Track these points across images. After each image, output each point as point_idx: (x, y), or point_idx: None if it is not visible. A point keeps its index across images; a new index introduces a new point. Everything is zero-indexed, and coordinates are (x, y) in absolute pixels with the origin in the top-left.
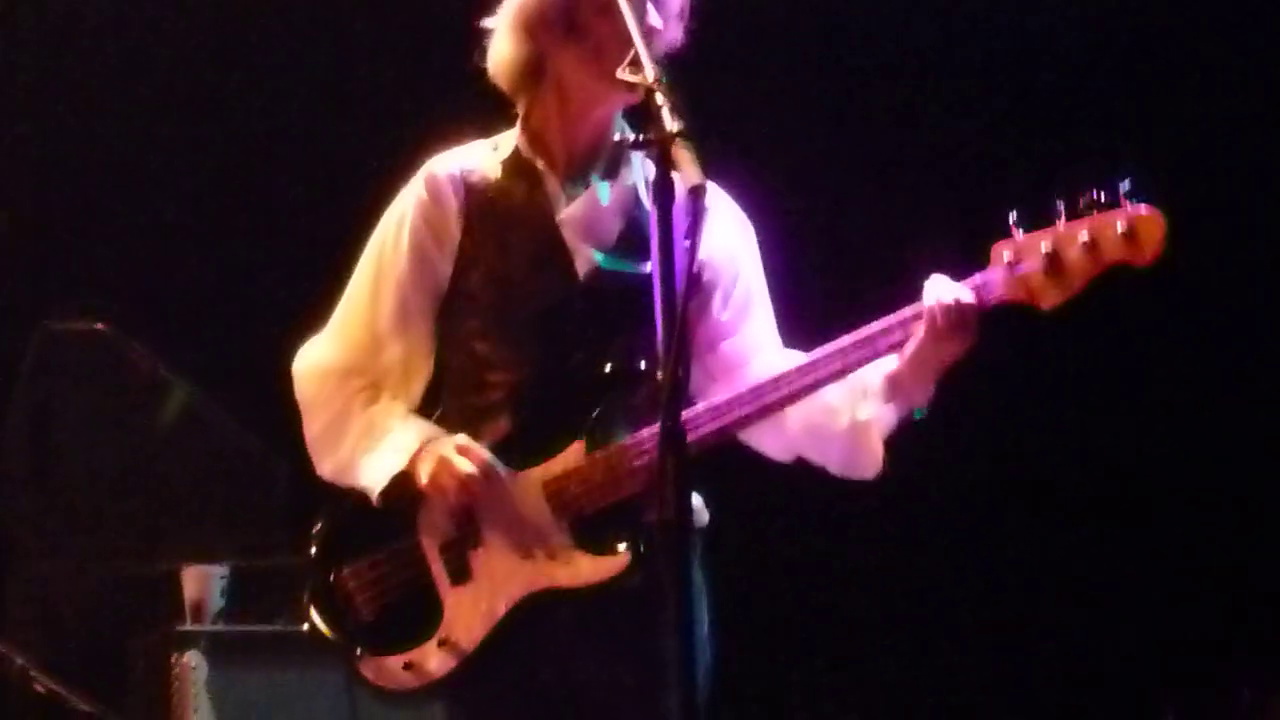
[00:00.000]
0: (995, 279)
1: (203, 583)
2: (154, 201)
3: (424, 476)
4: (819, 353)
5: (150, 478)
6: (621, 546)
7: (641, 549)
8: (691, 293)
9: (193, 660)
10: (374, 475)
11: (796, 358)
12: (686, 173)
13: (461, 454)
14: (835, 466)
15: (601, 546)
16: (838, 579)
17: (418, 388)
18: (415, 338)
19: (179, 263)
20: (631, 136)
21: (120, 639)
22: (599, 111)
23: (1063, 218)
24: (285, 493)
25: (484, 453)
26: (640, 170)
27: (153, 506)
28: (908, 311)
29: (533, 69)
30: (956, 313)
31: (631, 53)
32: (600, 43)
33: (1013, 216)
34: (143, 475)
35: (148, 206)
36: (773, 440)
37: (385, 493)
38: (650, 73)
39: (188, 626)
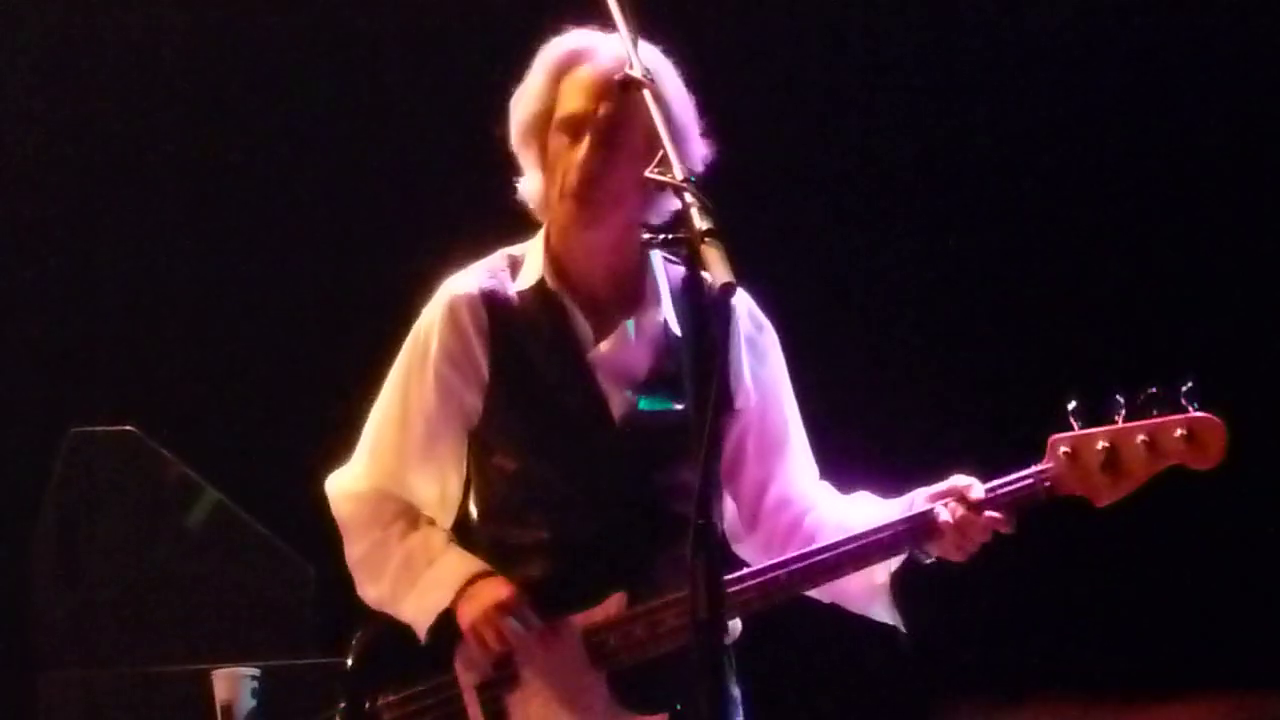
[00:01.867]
0: (1055, 474)
1: (233, 684)
2: (179, 309)
3: (465, 619)
4: (856, 535)
5: (180, 579)
6: (660, 704)
7: (679, 707)
8: (722, 399)
9: None
10: (417, 613)
11: (835, 515)
12: (716, 272)
13: (501, 609)
14: (858, 610)
15: (640, 702)
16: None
17: (451, 512)
18: (448, 466)
19: (199, 371)
20: (658, 236)
21: None
22: (589, 237)
23: (1122, 415)
24: (314, 596)
25: (525, 608)
26: (668, 302)
27: (182, 608)
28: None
29: (534, 190)
30: (985, 531)
31: (660, 152)
32: (553, 161)
33: (1071, 406)
34: (173, 577)
35: (172, 313)
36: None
37: (432, 629)
38: (679, 171)
39: None
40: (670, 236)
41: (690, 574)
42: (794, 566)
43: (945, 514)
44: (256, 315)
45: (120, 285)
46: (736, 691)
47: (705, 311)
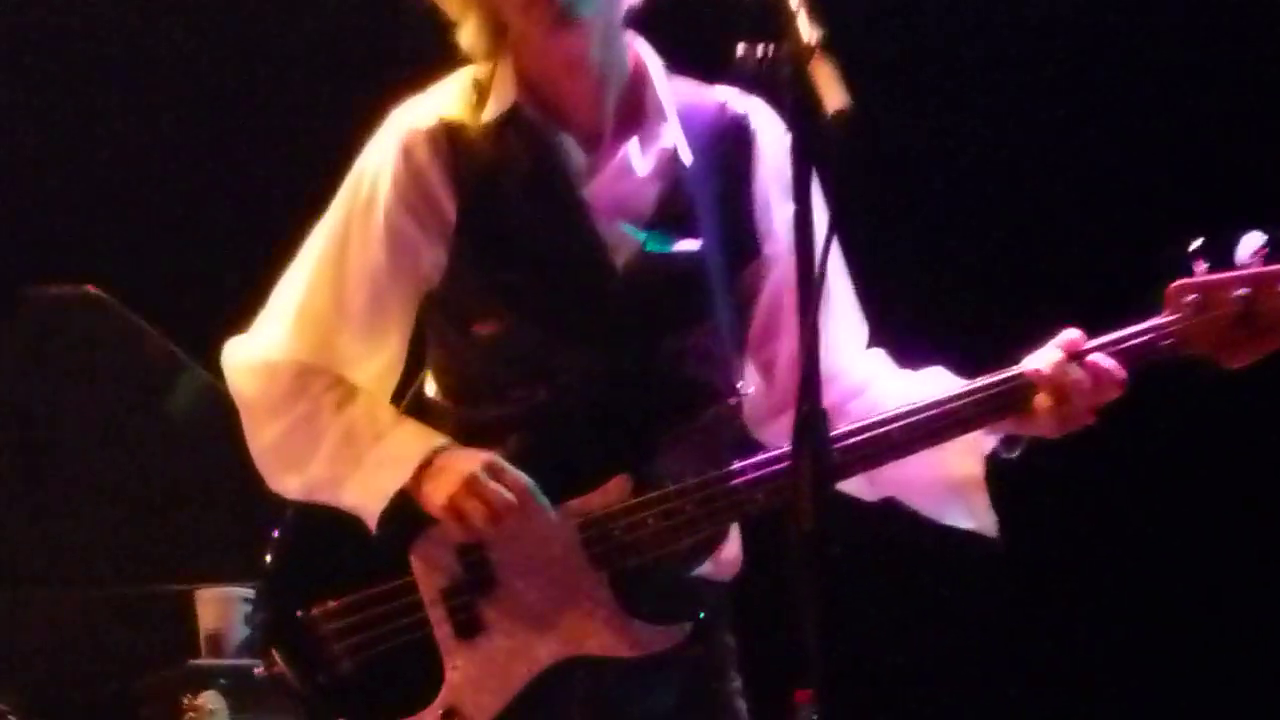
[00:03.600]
0: (1180, 328)
1: (223, 608)
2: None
3: (437, 497)
4: (941, 393)
5: (159, 480)
6: (678, 612)
7: (702, 615)
8: (744, 246)
9: (210, 702)
10: (364, 496)
11: (897, 393)
12: (829, 95)
13: (493, 473)
14: (926, 513)
15: (653, 609)
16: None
17: (388, 393)
18: (393, 337)
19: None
20: (754, 52)
21: (124, 678)
22: (567, 43)
23: (1261, 255)
24: None
25: (521, 475)
26: (676, 124)
27: (162, 515)
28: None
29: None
30: (1090, 391)
31: None
32: None
33: (1195, 246)
34: (150, 477)
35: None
36: (855, 481)
37: (385, 517)
38: None
39: (204, 661)
40: (766, 53)
41: (793, 473)
42: (894, 425)
43: (1045, 366)
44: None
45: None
46: (731, 640)
47: (821, 144)
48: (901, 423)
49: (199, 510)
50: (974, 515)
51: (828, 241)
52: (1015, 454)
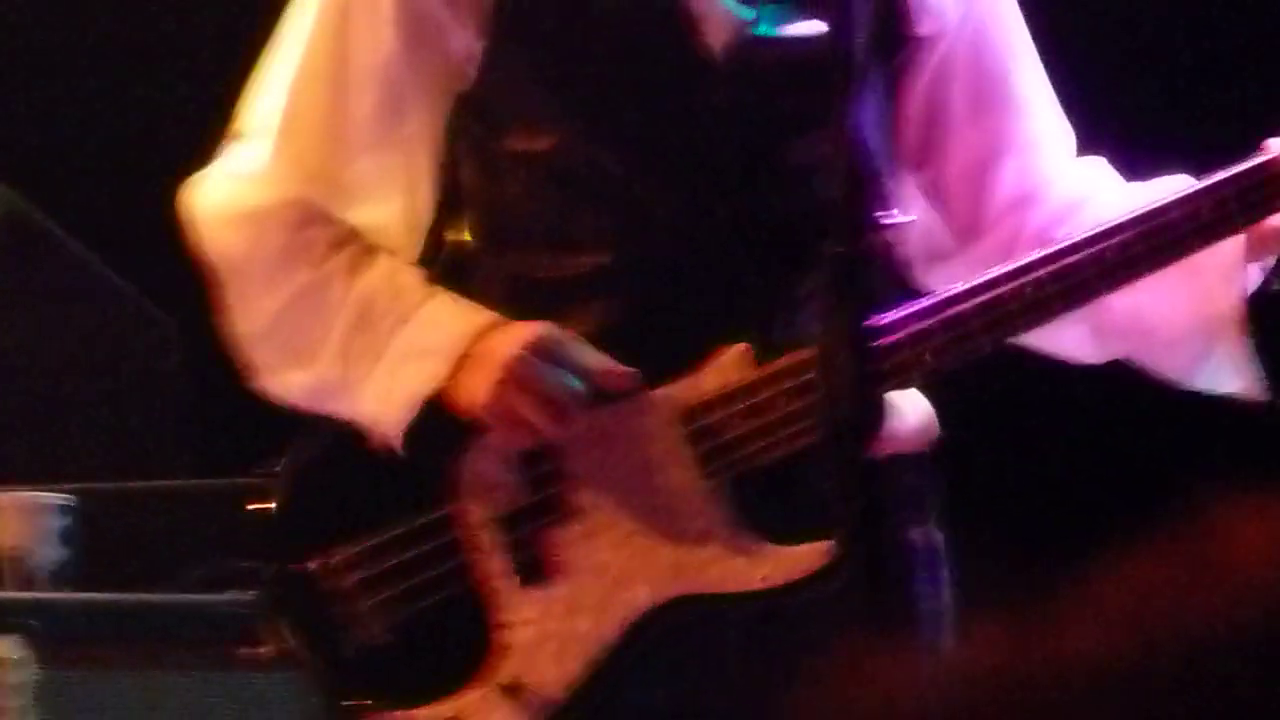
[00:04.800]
0: None
1: (26, 521)
2: None
3: (478, 394)
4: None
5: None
6: (821, 527)
7: (849, 536)
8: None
9: (7, 651)
10: (386, 402)
11: (1113, 192)
12: None
13: (548, 352)
14: (1168, 372)
15: (783, 526)
16: None
17: (418, 242)
18: (418, 159)
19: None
20: None
21: None
22: None
23: None
24: (180, 369)
25: (589, 350)
26: None
27: None
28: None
29: None
30: None
31: None
32: None
33: None
34: None
35: None
36: (1077, 332)
37: (414, 430)
38: None
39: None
40: None
41: (821, 346)
42: (1064, 261)
43: None
44: None
45: None
46: (938, 536)
47: None
48: (1113, 240)
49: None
50: (1235, 370)
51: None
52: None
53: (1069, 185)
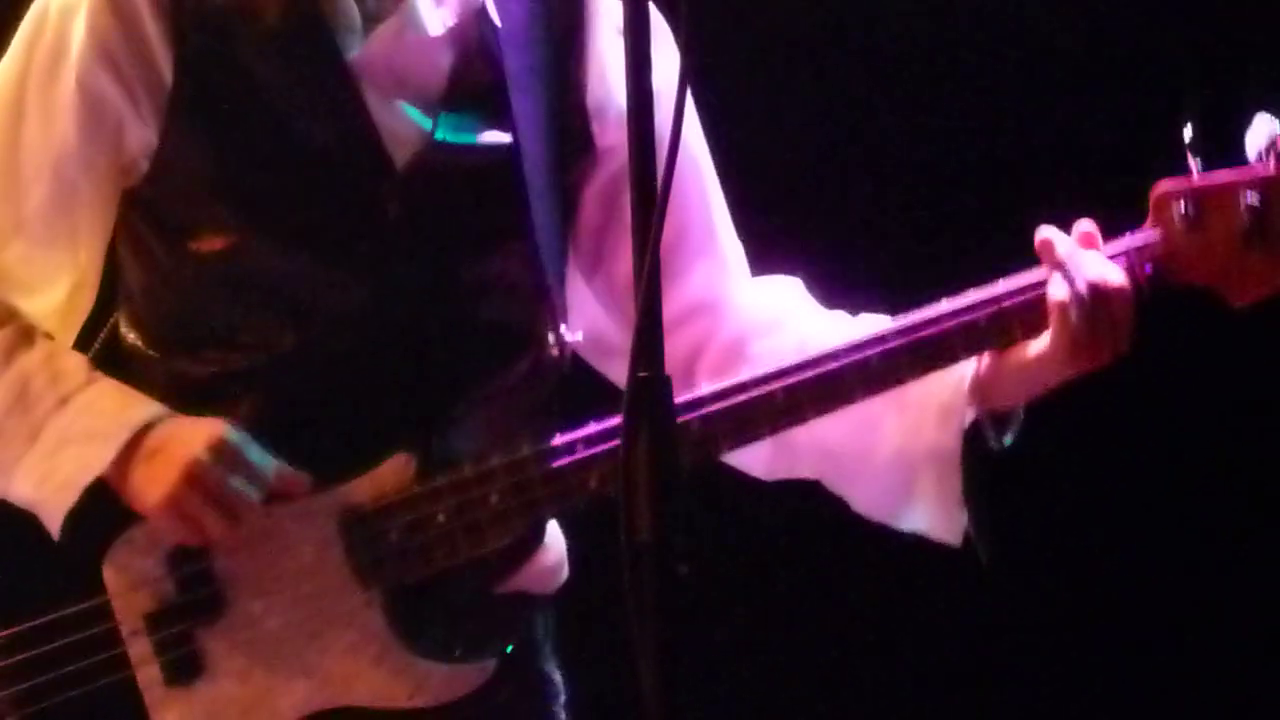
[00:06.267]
0: (1166, 247)
1: None
2: None
3: (152, 492)
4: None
5: None
6: (480, 645)
7: (510, 648)
8: (574, 135)
9: None
10: (46, 484)
11: (812, 336)
12: None
13: (227, 457)
14: (864, 505)
15: (443, 643)
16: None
17: (75, 330)
18: (83, 255)
19: None
20: None
21: None
22: None
23: (1274, 153)
24: None
25: (265, 458)
26: None
27: None
28: (1028, 279)
29: None
30: (1106, 308)
31: None
32: None
33: (1188, 135)
34: None
35: None
36: (758, 452)
37: (75, 516)
38: None
39: None
40: None
41: (623, 469)
42: (795, 379)
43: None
44: None
45: None
46: (555, 672)
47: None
48: (835, 364)
49: None
50: (940, 510)
51: (677, 123)
52: (1008, 437)
53: (762, 303)
